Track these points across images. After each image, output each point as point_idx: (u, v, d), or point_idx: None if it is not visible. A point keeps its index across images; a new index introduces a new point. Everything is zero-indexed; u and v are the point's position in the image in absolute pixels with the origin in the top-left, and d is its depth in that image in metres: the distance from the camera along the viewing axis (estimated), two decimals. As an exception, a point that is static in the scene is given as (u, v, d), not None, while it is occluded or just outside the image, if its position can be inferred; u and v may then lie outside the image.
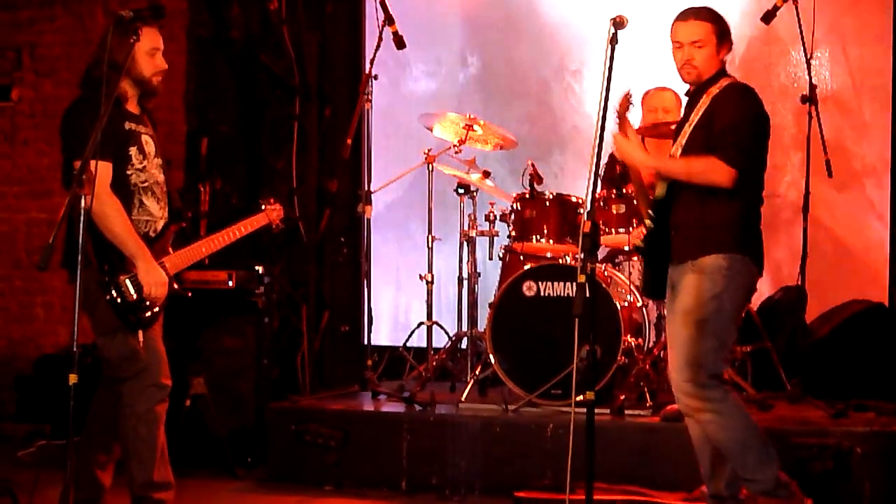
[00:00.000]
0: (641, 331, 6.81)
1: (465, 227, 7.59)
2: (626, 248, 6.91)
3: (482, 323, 7.34)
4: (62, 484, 4.71)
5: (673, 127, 5.68)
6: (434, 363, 7.46)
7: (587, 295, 4.45)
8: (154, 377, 5.30)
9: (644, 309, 6.81)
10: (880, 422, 6.22)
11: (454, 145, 7.43)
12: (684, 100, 5.43)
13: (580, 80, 8.56)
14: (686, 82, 5.28)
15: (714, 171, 5.01)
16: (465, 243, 7.64)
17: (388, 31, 7.33)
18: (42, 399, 8.23)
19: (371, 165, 7.73)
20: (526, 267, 6.79)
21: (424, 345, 7.57)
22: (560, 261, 6.82)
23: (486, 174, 7.54)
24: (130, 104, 5.32)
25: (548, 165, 8.22)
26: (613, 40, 4.70)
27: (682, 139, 5.18)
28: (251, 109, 8.56)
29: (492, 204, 7.58)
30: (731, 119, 5.05)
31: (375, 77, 7.35)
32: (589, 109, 8.37)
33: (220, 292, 7.17)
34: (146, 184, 5.34)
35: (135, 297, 5.18)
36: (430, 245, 7.56)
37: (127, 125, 5.26)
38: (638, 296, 6.82)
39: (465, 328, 7.65)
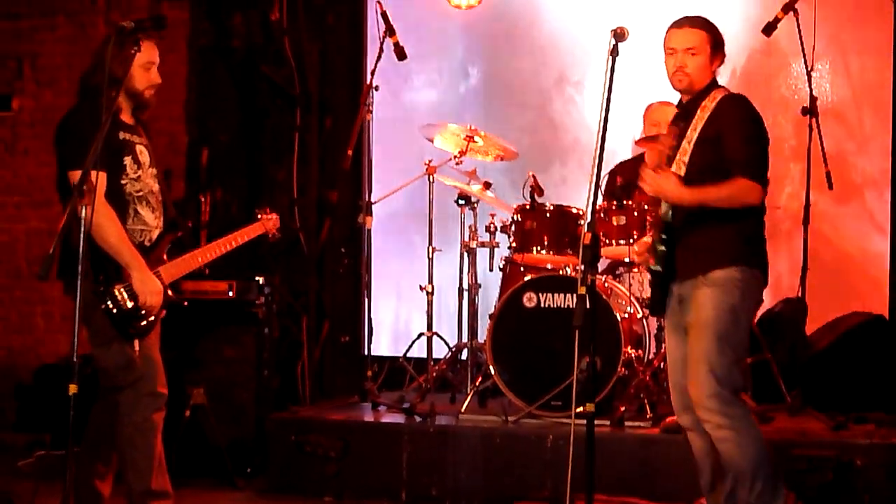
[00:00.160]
0: (642, 342, 6.81)
1: (466, 238, 7.59)
2: (627, 260, 6.92)
3: (482, 334, 7.34)
4: (61, 494, 4.71)
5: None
6: (434, 374, 7.45)
7: (587, 306, 4.45)
8: (150, 386, 5.30)
9: (644, 320, 6.81)
10: (880, 434, 6.22)
11: (455, 156, 7.43)
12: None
13: (581, 91, 8.56)
14: (677, 89, 5.21)
15: (748, 193, 4.96)
16: (465, 254, 7.64)
17: (389, 42, 7.35)
18: (42, 409, 8.22)
19: (372, 176, 7.74)
20: (526, 278, 6.79)
21: (424, 355, 7.56)
22: (560, 272, 6.82)
23: (487, 185, 7.54)
24: (124, 114, 5.31)
25: (548, 177, 8.21)
26: (614, 52, 4.70)
27: (684, 156, 5.06)
28: (252, 119, 8.57)
29: (492, 215, 7.59)
30: (743, 135, 5.00)
31: (376, 88, 7.36)
32: (590, 121, 8.38)
33: (221, 302, 7.17)
34: (141, 193, 5.34)
35: (130, 306, 5.18)
36: (430, 256, 7.56)
37: (121, 135, 5.26)
38: (638, 307, 6.82)
39: (465, 339, 7.65)
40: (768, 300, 7.65)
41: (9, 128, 9.32)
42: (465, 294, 7.65)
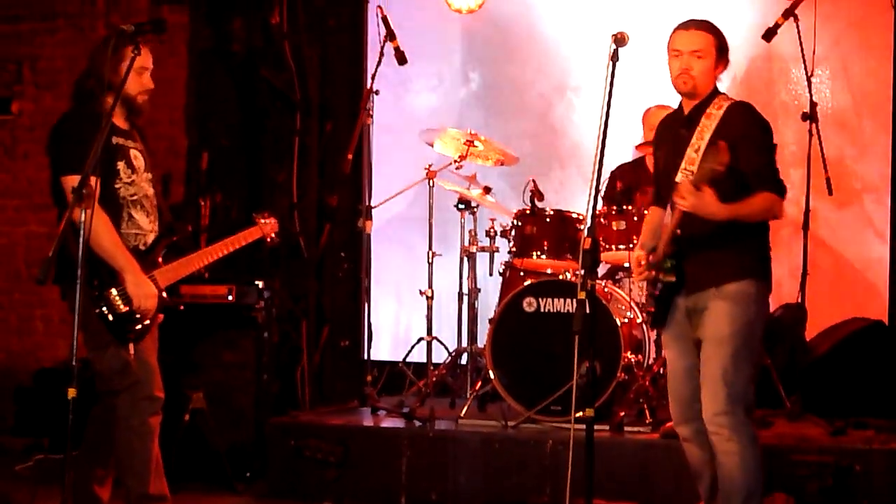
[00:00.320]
0: (641, 347, 6.81)
1: (466, 243, 7.59)
2: (627, 265, 6.91)
3: (482, 338, 7.33)
4: (60, 499, 4.70)
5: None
6: (434, 379, 7.45)
7: (587, 311, 4.45)
8: (147, 390, 5.30)
9: (644, 325, 6.80)
10: (879, 439, 6.21)
11: (455, 161, 7.44)
12: None
13: (581, 96, 8.56)
14: (681, 92, 5.14)
15: (775, 206, 4.95)
16: (465, 259, 7.64)
17: (389, 46, 7.36)
18: (41, 412, 8.21)
19: (371, 180, 7.73)
20: (526, 283, 6.79)
21: (424, 360, 7.56)
22: (560, 277, 6.82)
23: (487, 190, 7.55)
24: (118, 119, 5.29)
25: (548, 181, 8.21)
26: (614, 57, 4.69)
27: (691, 165, 4.96)
28: (252, 123, 8.57)
29: (492, 220, 7.58)
30: (760, 147, 4.96)
31: (376, 92, 7.37)
32: (590, 126, 8.37)
33: (220, 307, 7.17)
34: (135, 197, 5.34)
35: (124, 310, 5.17)
36: (430, 260, 7.56)
37: (114, 140, 5.25)
38: (638, 312, 6.82)
39: (464, 344, 7.65)
40: (768, 305, 7.66)
41: (8, 131, 9.32)
42: (465, 299, 7.66)
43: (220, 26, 8.51)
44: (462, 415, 6.82)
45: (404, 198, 7.88)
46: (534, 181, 7.20)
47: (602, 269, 7.26)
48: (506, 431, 6.54)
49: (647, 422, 6.50)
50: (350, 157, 7.20)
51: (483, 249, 7.57)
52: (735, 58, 5.34)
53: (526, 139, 8.58)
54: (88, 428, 5.38)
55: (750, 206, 4.90)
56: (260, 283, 7.27)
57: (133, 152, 5.38)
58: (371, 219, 7.36)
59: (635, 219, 6.81)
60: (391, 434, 6.75)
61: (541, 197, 7.17)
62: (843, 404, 6.86)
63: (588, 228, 4.56)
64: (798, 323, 7.13)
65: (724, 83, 5.74)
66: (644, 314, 6.72)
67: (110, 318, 5.15)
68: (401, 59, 7.40)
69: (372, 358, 7.60)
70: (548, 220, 7.07)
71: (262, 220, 6.03)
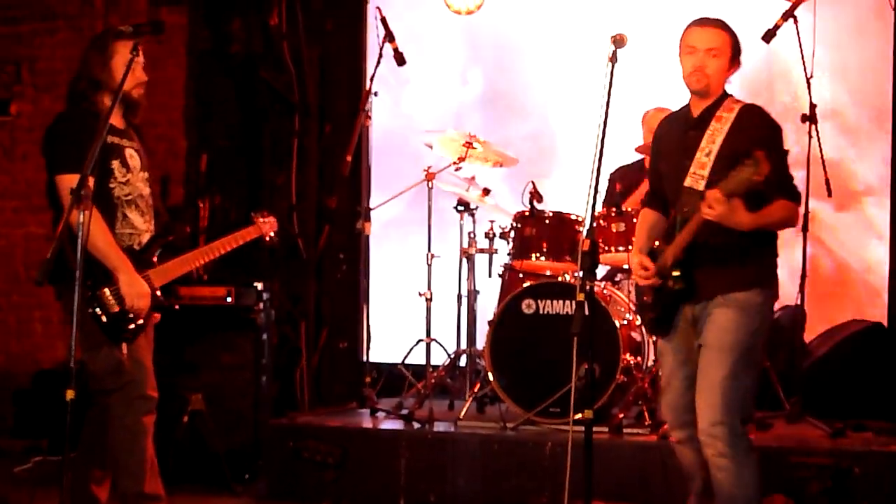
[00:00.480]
0: (640, 349, 6.81)
1: (465, 245, 7.58)
2: (626, 267, 6.91)
3: (481, 340, 7.33)
4: (58, 500, 4.70)
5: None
6: (433, 380, 7.44)
7: (586, 313, 4.44)
8: (140, 389, 5.28)
9: (643, 327, 6.79)
10: (879, 441, 6.22)
11: (454, 163, 7.43)
12: None
13: (580, 98, 8.55)
14: (694, 90, 5.01)
15: (794, 214, 4.91)
16: (464, 260, 7.64)
17: (388, 47, 7.35)
18: (39, 414, 8.21)
19: (370, 182, 7.73)
20: (525, 285, 6.78)
21: (423, 362, 7.55)
22: (559, 279, 6.81)
23: (486, 192, 7.54)
24: (114, 118, 5.26)
25: (547, 183, 8.21)
26: (613, 58, 4.68)
27: (702, 169, 4.88)
28: (251, 125, 8.57)
29: (491, 221, 7.58)
30: (778, 155, 4.84)
31: (375, 94, 7.36)
32: (589, 128, 8.35)
33: (219, 308, 7.16)
34: (130, 197, 5.32)
35: (117, 309, 5.17)
36: (429, 262, 7.56)
37: (109, 139, 5.21)
38: (637, 314, 6.81)
39: (463, 345, 7.65)
40: (767, 307, 7.66)
41: (7, 132, 9.32)
42: (464, 300, 7.65)
43: (219, 27, 8.51)
44: (461, 416, 6.82)
45: (403, 199, 7.87)
46: (533, 183, 7.19)
47: (601, 271, 7.25)
48: (505, 433, 6.54)
49: (646, 424, 6.50)
50: (349, 158, 7.19)
51: (482, 251, 7.57)
52: (735, 59, 5.32)
53: (525, 141, 8.59)
54: (85, 429, 5.37)
55: (772, 216, 4.84)
56: (259, 285, 7.26)
57: (129, 151, 5.36)
58: (370, 220, 7.36)
59: (634, 221, 6.79)
60: (390, 436, 6.74)
61: (540, 199, 7.16)
62: (843, 406, 6.86)
63: (587, 230, 4.55)
64: (797, 325, 7.13)
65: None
66: (644, 319, 6.69)
67: (103, 318, 5.14)
68: (400, 60, 7.40)
69: (371, 359, 7.60)
70: (547, 221, 7.06)
71: (261, 220, 6.00)
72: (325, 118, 8.72)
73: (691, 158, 4.93)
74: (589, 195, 4.62)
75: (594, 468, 4.56)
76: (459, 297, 7.67)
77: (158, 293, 5.34)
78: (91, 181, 4.69)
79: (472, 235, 7.58)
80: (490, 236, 7.54)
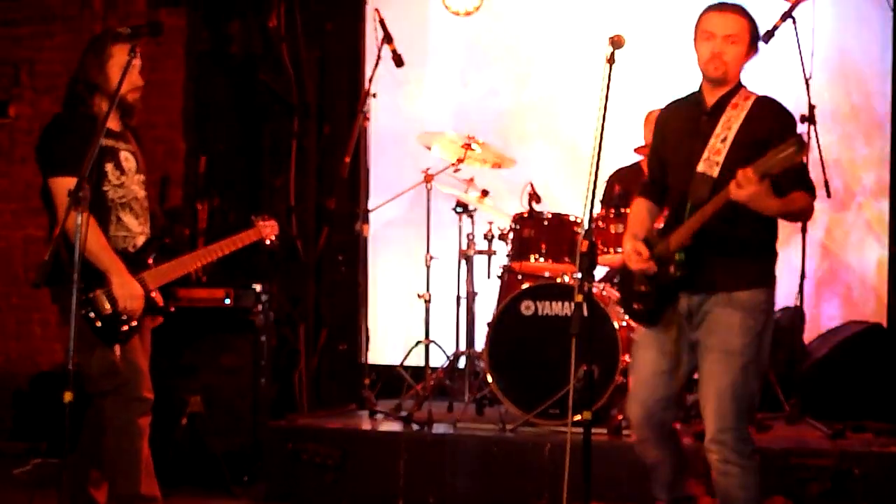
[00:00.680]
0: (639, 350, 6.79)
1: (464, 246, 7.58)
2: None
3: (480, 342, 7.33)
4: (57, 502, 4.70)
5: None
6: (432, 382, 7.43)
7: (585, 314, 4.43)
8: (135, 391, 5.28)
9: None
10: (878, 443, 6.22)
11: (453, 164, 7.43)
12: None
13: (579, 99, 8.55)
14: (711, 77, 4.86)
15: (810, 207, 4.83)
16: (463, 262, 7.63)
17: (386, 49, 7.34)
18: (38, 416, 8.20)
19: (369, 184, 7.72)
20: (524, 286, 6.78)
21: (422, 364, 7.54)
22: (558, 280, 6.81)
23: (485, 193, 7.54)
24: (111, 121, 5.24)
25: (546, 185, 8.20)
26: (611, 60, 4.67)
27: (717, 156, 4.77)
28: (250, 127, 8.56)
29: (490, 223, 7.58)
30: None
31: (374, 95, 7.35)
32: (588, 129, 8.35)
33: (218, 310, 7.15)
34: (124, 200, 5.32)
35: (109, 311, 5.16)
36: (428, 264, 7.55)
37: (104, 141, 5.20)
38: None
39: (462, 347, 7.65)
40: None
41: (6, 135, 9.30)
42: (463, 302, 7.65)
43: (218, 29, 8.52)
44: (460, 418, 6.81)
45: (402, 201, 7.87)
46: (531, 184, 7.19)
47: (600, 273, 7.24)
48: (504, 435, 6.53)
49: (646, 425, 6.48)
50: (348, 160, 7.18)
51: (481, 252, 7.57)
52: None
53: (523, 142, 8.58)
54: (84, 431, 5.37)
55: (794, 205, 4.73)
56: (258, 287, 7.25)
57: (124, 154, 5.36)
58: (368, 222, 7.36)
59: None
60: (389, 438, 6.74)
61: (538, 200, 7.16)
62: (842, 407, 6.85)
63: (586, 232, 4.54)
64: (797, 326, 7.13)
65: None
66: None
67: (96, 320, 5.14)
68: (398, 61, 7.39)
69: (370, 361, 7.61)
70: (545, 223, 7.06)
71: (262, 223, 5.99)
72: (324, 119, 8.72)
73: (705, 144, 4.83)
74: (587, 196, 4.60)
75: (593, 469, 4.56)
76: (458, 298, 7.66)
77: (154, 295, 5.33)
78: (74, 182, 4.67)
79: (470, 237, 7.59)
80: (489, 238, 7.54)
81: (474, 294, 7.66)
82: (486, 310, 7.73)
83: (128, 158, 5.37)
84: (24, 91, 9.28)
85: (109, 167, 5.27)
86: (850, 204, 7.95)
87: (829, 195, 6.97)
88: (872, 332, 7.32)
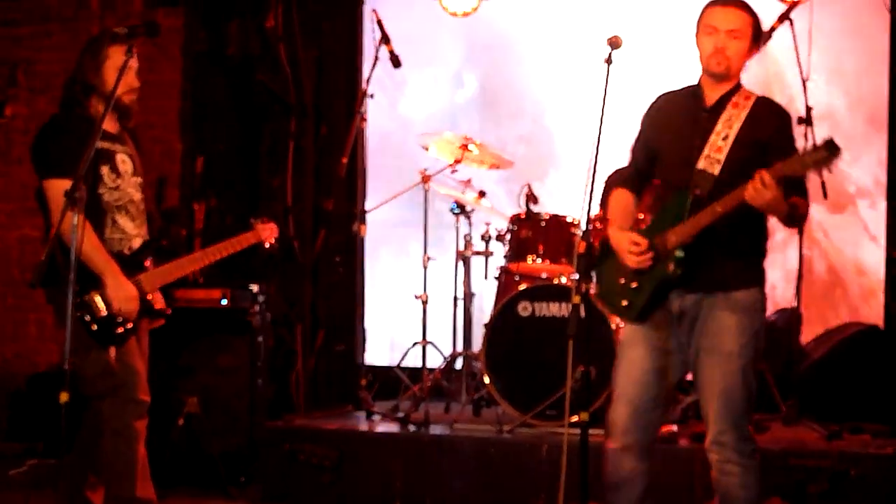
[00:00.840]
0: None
1: (461, 247, 7.58)
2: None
3: (477, 343, 7.32)
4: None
5: None
6: (429, 383, 7.42)
7: (582, 316, 4.43)
8: (131, 393, 5.27)
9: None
10: (875, 444, 6.22)
11: (450, 165, 7.43)
12: None
13: (577, 99, 8.55)
14: (713, 73, 4.78)
15: (808, 213, 4.79)
16: (460, 263, 7.63)
17: (384, 50, 7.33)
18: (34, 417, 8.19)
19: (366, 184, 7.72)
20: (521, 287, 6.78)
21: (419, 365, 7.53)
22: (555, 281, 6.81)
23: (482, 194, 7.54)
24: (107, 123, 5.23)
25: (544, 186, 8.21)
26: (609, 60, 4.66)
27: (718, 154, 4.72)
28: (247, 127, 8.56)
29: (487, 224, 7.58)
30: (794, 149, 4.67)
31: (371, 96, 7.35)
32: (585, 130, 8.36)
33: (215, 311, 7.14)
34: (120, 202, 5.31)
35: (104, 313, 5.15)
36: (425, 265, 7.54)
37: (99, 144, 5.18)
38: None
39: (459, 348, 7.65)
40: (763, 310, 7.66)
41: (2, 135, 9.29)
42: (460, 303, 7.66)
43: (216, 30, 8.51)
44: (457, 419, 6.81)
45: (399, 202, 7.86)
46: (529, 185, 7.20)
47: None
48: (501, 436, 6.53)
49: (643, 426, 6.48)
50: (345, 160, 7.18)
51: (478, 254, 7.57)
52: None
53: (521, 143, 8.59)
54: (81, 432, 5.36)
55: (797, 210, 4.68)
56: (255, 287, 7.25)
57: (120, 156, 5.34)
58: (365, 223, 7.35)
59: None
60: (386, 439, 6.74)
61: (536, 201, 7.16)
62: (839, 409, 6.85)
63: (583, 232, 4.54)
64: (793, 327, 7.13)
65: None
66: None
67: (92, 323, 5.13)
68: (395, 62, 7.38)
69: (367, 362, 7.59)
70: (543, 224, 7.06)
71: (261, 225, 5.96)
72: (322, 120, 8.72)
73: (705, 140, 4.77)
74: (585, 197, 4.60)
75: (590, 471, 4.57)
76: (455, 299, 7.67)
77: (150, 297, 5.32)
78: (69, 183, 4.66)
79: (468, 238, 7.59)
80: (486, 239, 7.54)
81: (471, 295, 7.67)
82: (483, 311, 7.74)
83: (124, 161, 5.36)
84: (21, 91, 9.27)
85: (105, 170, 5.26)
86: (847, 205, 7.95)
87: (825, 196, 6.96)
88: (869, 333, 7.32)
